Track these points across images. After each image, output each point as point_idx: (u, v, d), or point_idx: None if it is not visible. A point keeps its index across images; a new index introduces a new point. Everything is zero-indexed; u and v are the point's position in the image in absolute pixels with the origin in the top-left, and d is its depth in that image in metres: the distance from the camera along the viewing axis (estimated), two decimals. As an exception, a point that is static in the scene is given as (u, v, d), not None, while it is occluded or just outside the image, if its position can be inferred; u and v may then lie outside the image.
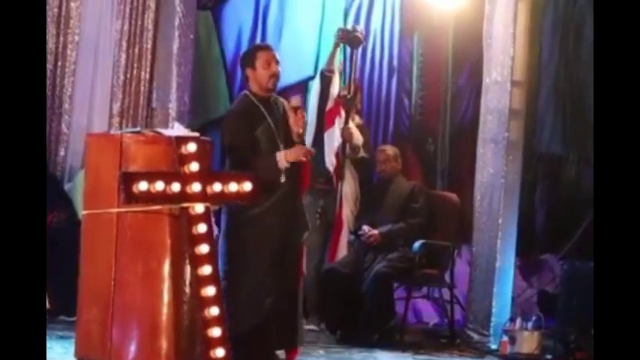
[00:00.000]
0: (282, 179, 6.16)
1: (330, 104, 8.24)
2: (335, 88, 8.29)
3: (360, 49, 8.62)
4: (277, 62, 6.31)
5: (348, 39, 8.37)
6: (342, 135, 8.21)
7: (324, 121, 8.20)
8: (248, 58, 6.36)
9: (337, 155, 8.17)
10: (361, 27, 8.93)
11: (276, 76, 6.30)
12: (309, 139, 7.79)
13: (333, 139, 8.17)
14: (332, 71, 8.29)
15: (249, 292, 6.10)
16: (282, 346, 6.31)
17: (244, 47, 9.84)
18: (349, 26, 8.85)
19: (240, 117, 6.23)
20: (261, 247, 6.13)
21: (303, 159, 6.26)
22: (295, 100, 6.54)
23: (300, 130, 6.33)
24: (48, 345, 6.73)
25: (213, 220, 5.56)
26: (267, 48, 6.41)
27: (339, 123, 8.23)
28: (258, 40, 9.83)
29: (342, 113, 8.25)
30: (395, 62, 9.95)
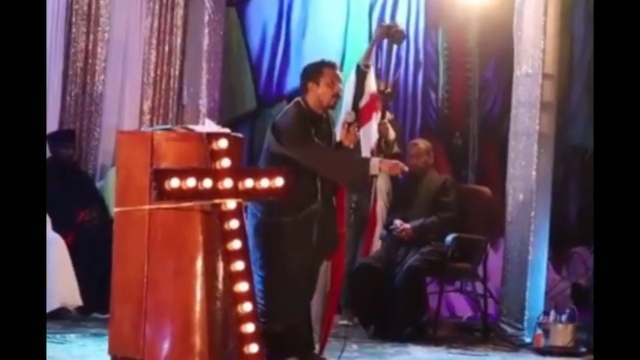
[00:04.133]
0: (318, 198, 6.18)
1: (365, 100, 8.20)
2: (370, 83, 8.25)
3: (400, 45, 8.61)
4: (340, 80, 6.30)
5: (391, 35, 8.33)
6: (379, 130, 8.17)
7: (359, 117, 8.14)
8: (313, 73, 6.26)
9: (372, 152, 8.10)
10: (400, 23, 8.92)
11: (338, 96, 6.28)
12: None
13: (370, 134, 8.10)
14: (368, 66, 8.25)
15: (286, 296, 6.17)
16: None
17: (269, 43, 9.84)
18: (389, 22, 8.80)
19: (300, 125, 6.16)
20: (297, 251, 6.16)
21: (396, 173, 6.45)
22: (349, 116, 6.49)
23: (352, 146, 6.32)
24: (82, 342, 6.79)
25: (244, 215, 5.55)
26: (333, 66, 6.32)
27: (376, 118, 8.20)
28: (282, 37, 9.82)
29: (379, 109, 8.23)
30: (421, 56, 9.91)
